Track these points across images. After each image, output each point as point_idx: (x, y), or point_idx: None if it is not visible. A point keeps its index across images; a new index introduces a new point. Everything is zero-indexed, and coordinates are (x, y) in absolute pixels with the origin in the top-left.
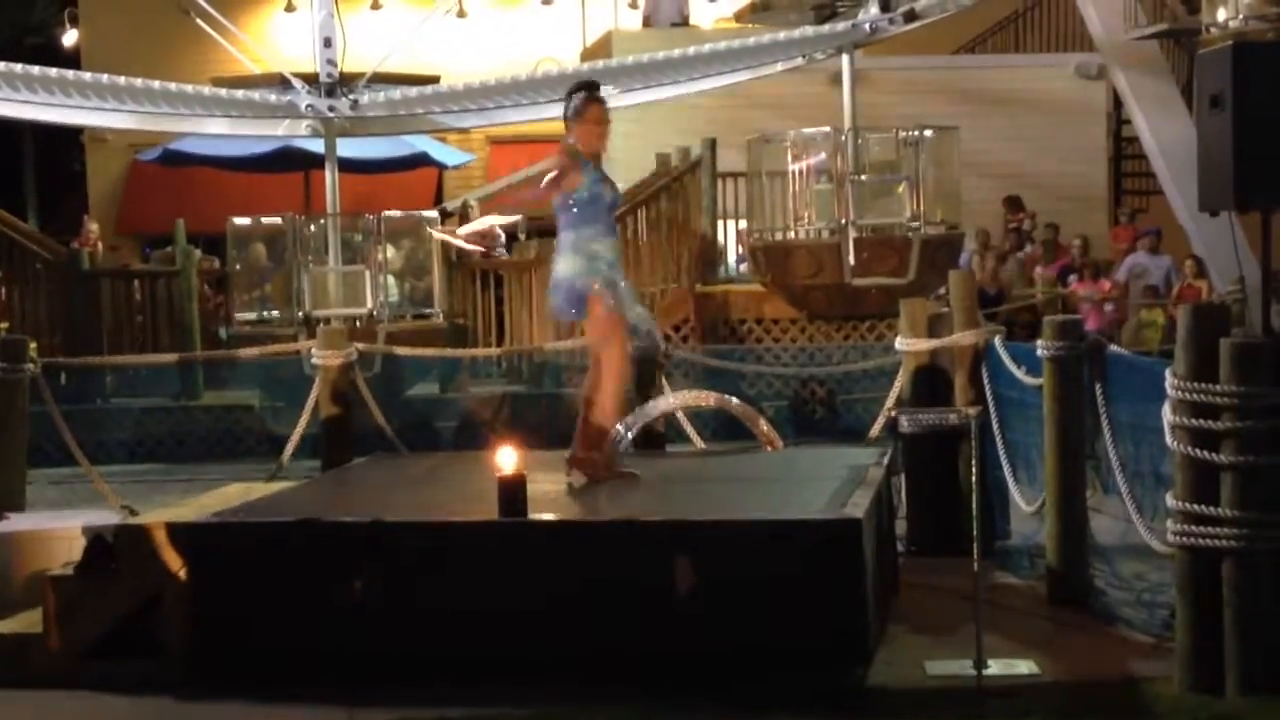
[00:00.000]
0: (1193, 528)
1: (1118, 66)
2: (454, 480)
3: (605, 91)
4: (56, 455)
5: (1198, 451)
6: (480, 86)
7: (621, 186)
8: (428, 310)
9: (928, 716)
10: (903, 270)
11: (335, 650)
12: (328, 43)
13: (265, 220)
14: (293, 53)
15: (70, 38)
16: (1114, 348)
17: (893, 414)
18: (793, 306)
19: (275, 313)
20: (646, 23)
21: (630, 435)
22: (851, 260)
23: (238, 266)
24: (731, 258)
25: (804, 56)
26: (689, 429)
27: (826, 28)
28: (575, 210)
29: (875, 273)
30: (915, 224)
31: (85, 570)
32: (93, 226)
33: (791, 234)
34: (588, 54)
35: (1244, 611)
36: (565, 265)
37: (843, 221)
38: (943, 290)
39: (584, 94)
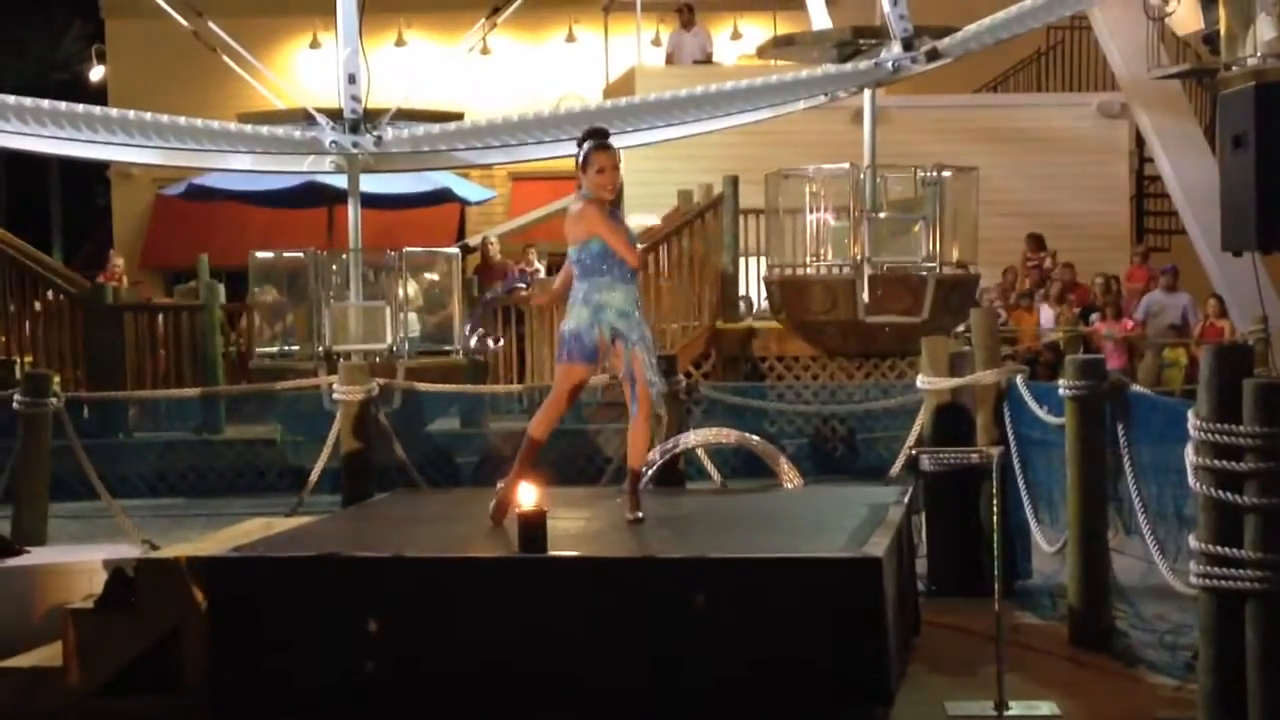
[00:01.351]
0: (1216, 569)
1: (1140, 106)
2: (474, 516)
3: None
4: (78, 489)
5: (1221, 493)
6: (503, 123)
7: (645, 223)
8: (448, 346)
9: None
10: (917, 309)
11: (355, 686)
12: (352, 79)
13: (288, 255)
14: (317, 89)
15: (97, 73)
16: (1136, 387)
17: (914, 452)
18: (806, 341)
19: (296, 347)
20: (669, 60)
21: (650, 472)
22: (866, 297)
23: (259, 298)
24: (755, 296)
25: (826, 94)
26: (709, 466)
27: (849, 66)
28: (589, 262)
29: (889, 311)
30: (931, 264)
31: (105, 604)
32: (118, 261)
33: (809, 269)
34: (611, 91)
35: (1267, 654)
36: (573, 317)
37: (858, 258)
38: (963, 328)
39: (590, 143)
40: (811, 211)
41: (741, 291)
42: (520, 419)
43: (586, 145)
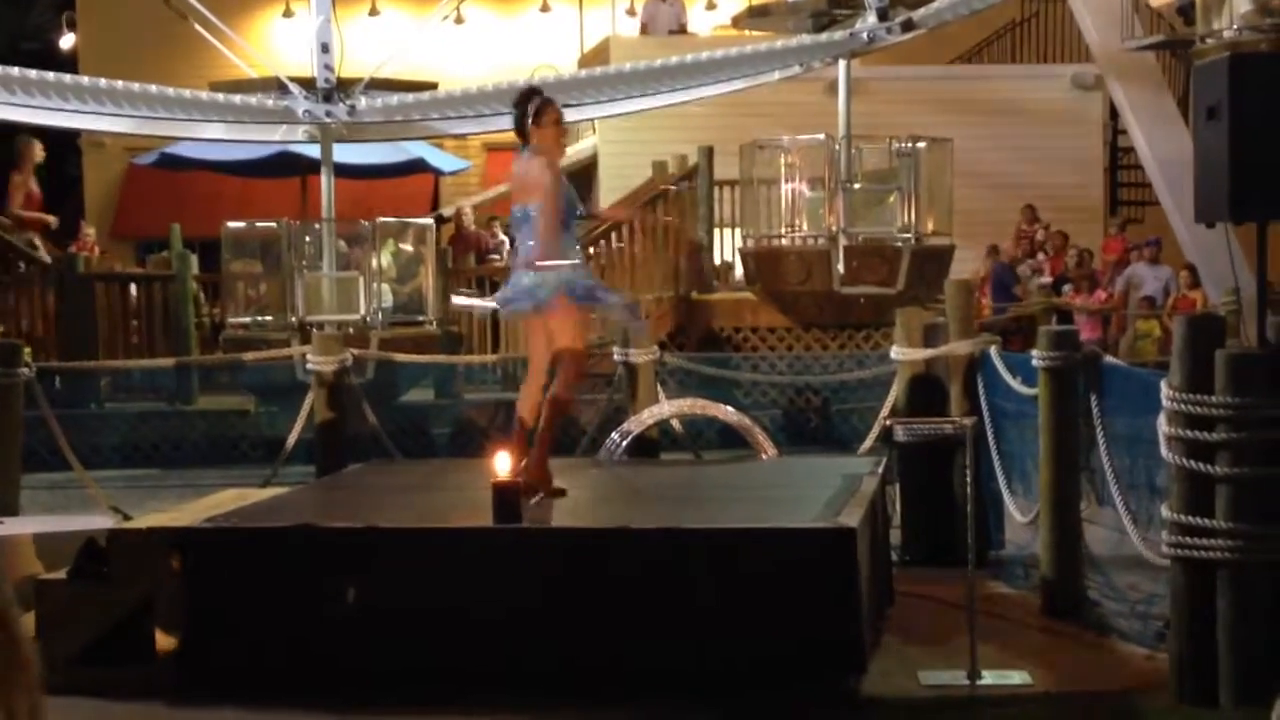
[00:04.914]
0: (1187, 539)
1: (1114, 77)
2: (449, 487)
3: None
4: (50, 460)
5: (1192, 463)
6: (477, 93)
7: (617, 195)
8: (421, 317)
9: None
10: (892, 280)
11: (328, 656)
12: (325, 48)
13: (260, 225)
14: (290, 58)
15: (67, 42)
16: (1109, 358)
17: (888, 423)
18: (781, 312)
19: (269, 318)
20: (644, 30)
21: (625, 444)
22: (841, 268)
23: (232, 268)
24: (729, 267)
25: (801, 65)
26: (683, 437)
27: (824, 36)
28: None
29: (864, 282)
30: (906, 234)
31: (78, 575)
32: (90, 231)
33: (784, 240)
34: (585, 61)
35: (1237, 623)
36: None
37: (833, 229)
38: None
39: (540, 98)
40: (787, 182)
41: (717, 263)
42: (495, 390)
43: (539, 99)
